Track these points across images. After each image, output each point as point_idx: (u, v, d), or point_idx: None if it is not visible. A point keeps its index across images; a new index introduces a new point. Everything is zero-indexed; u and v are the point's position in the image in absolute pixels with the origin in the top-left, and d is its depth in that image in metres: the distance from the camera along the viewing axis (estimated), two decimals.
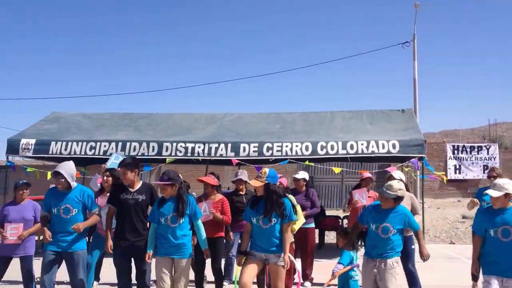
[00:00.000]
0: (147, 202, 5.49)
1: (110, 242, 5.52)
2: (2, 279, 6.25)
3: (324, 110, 12.83)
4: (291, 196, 6.48)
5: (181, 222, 5.27)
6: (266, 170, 5.20)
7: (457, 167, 19.82)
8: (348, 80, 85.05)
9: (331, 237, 13.40)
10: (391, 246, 5.10)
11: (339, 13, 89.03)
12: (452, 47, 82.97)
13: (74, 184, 5.46)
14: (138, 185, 5.52)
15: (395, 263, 5.10)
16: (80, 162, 12.04)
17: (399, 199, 5.14)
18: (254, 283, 5.35)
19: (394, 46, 18.29)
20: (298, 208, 6.35)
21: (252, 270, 5.09)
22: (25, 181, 6.38)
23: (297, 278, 6.51)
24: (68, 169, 5.41)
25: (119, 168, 5.59)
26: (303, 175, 7.90)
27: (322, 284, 7.34)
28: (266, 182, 5.10)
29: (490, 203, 6.98)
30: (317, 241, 12.53)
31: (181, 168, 15.53)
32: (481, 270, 4.96)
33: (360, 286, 5.58)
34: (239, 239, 7.69)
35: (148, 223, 5.51)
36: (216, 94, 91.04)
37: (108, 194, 6.11)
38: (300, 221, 6.22)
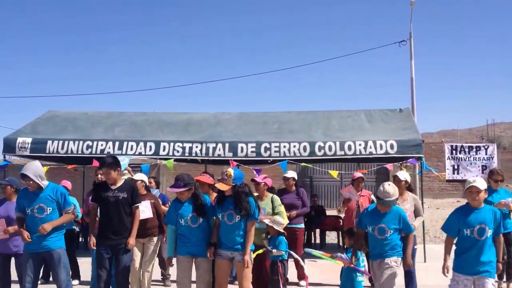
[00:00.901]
0: (128, 200, 5.54)
1: (92, 240, 5.59)
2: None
3: (321, 110, 12.79)
4: (275, 197, 6.48)
5: (201, 221, 5.37)
6: (231, 172, 5.29)
7: (456, 167, 19.78)
8: (345, 79, 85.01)
9: (331, 237, 13.36)
10: (389, 246, 5.17)
11: (335, 12, 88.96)
12: (450, 46, 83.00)
13: (44, 183, 5.45)
14: (119, 183, 5.59)
15: (393, 263, 5.17)
16: (79, 161, 12.01)
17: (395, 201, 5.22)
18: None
19: (391, 45, 18.28)
20: (282, 209, 6.34)
21: (225, 273, 5.31)
22: (7, 179, 6.34)
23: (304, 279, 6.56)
24: (34, 169, 5.39)
25: (103, 168, 5.61)
26: (291, 174, 7.90)
27: (319, 284, 7.33)
28: (233, 184, 5.22)
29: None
30: (318, 241, 12.53)
31: (179, 167, 15.48)
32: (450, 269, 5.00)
33: (365, 287, 5.64)
34: None
35: (130, 220, 5.59)
36: (214, 93, 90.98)
37: None
38: (284, 221, 6.26)
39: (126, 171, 7.71)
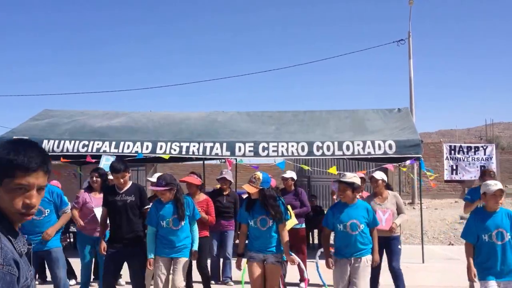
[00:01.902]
0: (136, 203, 5.50)
1: (103, 244, 5.58)
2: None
3: (319, 109, 12.74)
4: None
5: (183, 224, 5.35)
6: (259, 175, 5.22)
7: (454, 167, 19.77)
8: (343, 79, 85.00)
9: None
10: (362, 242, 5.15)
11: (334, 11, 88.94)
12: (449, 46, 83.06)
13: None
14: (126, 186, 5.54)
15: (369, 261, 5.17)
16: (75, 161, 11.93)
17: (355, 189, 5.20)
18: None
19: (389, 44, 18.28)
20: (289, 207, 6.32)
21: (259, 276, 5.21)
22: None
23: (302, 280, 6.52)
24: None
25: (115, 174, 5.55)
26: (290, 174, 7.88)
27: (319, 285, 7.28)
28: (261, 187, 5.14)
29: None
30: (316, 241, 12.47)
31: (177, 167, 15.43)
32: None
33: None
34: (217, 239, 7.68)
35: (141, 223, 5.55)
36: (211, 92, 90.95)
37: (97, 194, 6.43)
38: (291, 221, 6.20)
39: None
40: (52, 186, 5.69)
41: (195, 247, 5.55)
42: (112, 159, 9.54)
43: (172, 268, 5.39)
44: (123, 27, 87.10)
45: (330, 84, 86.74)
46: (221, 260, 8.04)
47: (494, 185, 4.72)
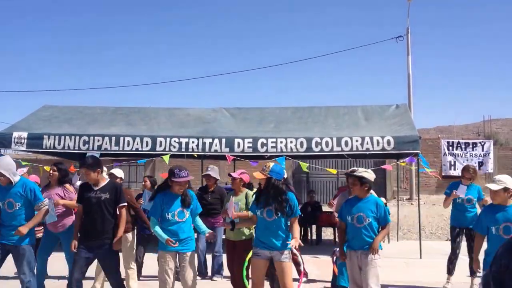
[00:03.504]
0: (111, 200, 5.45)
1: (74, 242, 5.49)
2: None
3: (318, 106, 12.78)
4: (250, 192, 6.49)
5: (188, 216, 5.37)
6: (270, 164, 5.26)
7: (452, 163, 19.89)
8: (342, 75, 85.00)
9: (328, 233, 13.38)
10: (368, 235, 5.15)
11: (333, 8, 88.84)
12: (447, 42, 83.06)
13: (16, 178, 5.48)
14: (102, 184, 5.49)
15: (376, 255, 5.14)
16: (74, 156, 11.98)
17: (363, 183, 5.22)
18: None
19: (388, 40, 18.34)
20: None
21: (261, 273, 5.19)
22: None
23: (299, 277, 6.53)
24: (5, 165, 5.42)
25: (81, 168, 5.57)
26: None
27: (315, 280, 7.34)
28: (268, 176, 5.15)
29: (466, 199, 7.13)
30: (314, 237, 12.54)
31: (175, 162, 15.43)
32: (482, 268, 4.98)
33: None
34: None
35: (114, 221, 5.51)
36: (210, 88, 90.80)
37: (53, 188, 6.44)
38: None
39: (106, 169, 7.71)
40: (26, 180, 5.64)
41: (206, 231, 5.56)
42: (97, 156, 9.62)
43: (180, 265, 5.38)
44: (123, 23, 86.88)
45: (329, 80, 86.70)
46: (210, 256, 8.08)
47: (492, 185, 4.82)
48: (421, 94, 69.05)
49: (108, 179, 5.67)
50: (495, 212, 4.84)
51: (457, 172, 12.79)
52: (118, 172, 6.84)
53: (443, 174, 12.03)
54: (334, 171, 10.40)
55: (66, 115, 12.17)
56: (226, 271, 7.71)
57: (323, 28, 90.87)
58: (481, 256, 4.99)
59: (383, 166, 9.67)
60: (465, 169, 7.50)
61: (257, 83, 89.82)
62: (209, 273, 8.13)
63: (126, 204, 5.65)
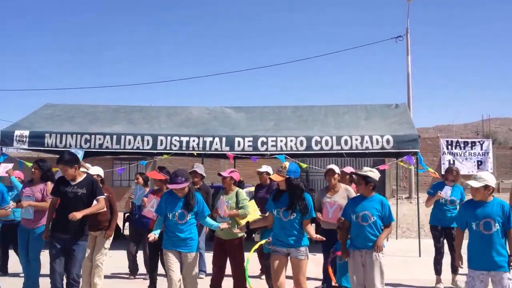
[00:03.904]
0: (87, 195, 5.55)
1: (46, 232, 5.62)
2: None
3: (318, 105, 12.85)
4: (241, 191, 6.53)
5: (188, 218, 5.43)
6: (286, 164, 5.30)
7: (451, 162, 19.94)
8: (341, 75, 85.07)
9: None
10: (373, 233, 5.19)
11: (333, 7, 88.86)
12: (447, 42, 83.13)
13: None
14: (79, 179, 5.58)
15: (380, 254, 5.18)
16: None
17: (368, 182, 5.26)
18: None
19: (388, 40, 18.43)
20: (247, 202, 6.35)
21: (281, 268, 5.24)
22: None
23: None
24: None
25: (57, 164, 5.64)
26: (266, 168, 7.90)
27: (315, 279, 7.40)
28: (287, 176, 5.20)
29: (450, 200, 7.22)
30: None
31: (175, 160, 15.50)
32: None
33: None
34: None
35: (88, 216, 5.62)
36: (211, 87, 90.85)
37: (36, 185, 6.53)
38: (251, 216, 6.28)
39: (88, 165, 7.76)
40: None
41: (217, 225, 5.70)
42: (81, 152, 9.74)
43: (182, 264, 5.47)
44: (124, 21, 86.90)
45: (329, 80, 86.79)
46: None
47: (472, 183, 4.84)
48: (420, 93, 69.33)
49: (85, 175, 5.73)
50: (475, 208, 4.84)
51: None
52: (95, 170, 6.87)
53: (442, 173, 12.06)
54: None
55: (67, 113, 12.23)
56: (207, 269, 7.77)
57: (323, 28, 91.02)
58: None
59: (380, 167, 9.69)
60: (449, 171, 7.61)
61: (257, 83, 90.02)
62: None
63: (104, 196, 5.76)
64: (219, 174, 6.65)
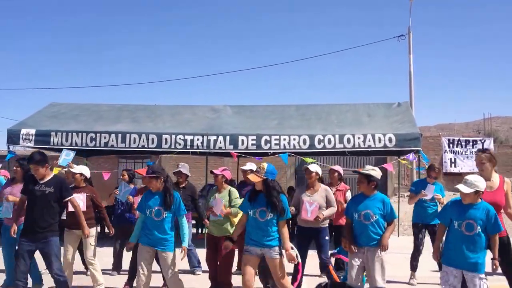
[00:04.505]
0: (56, 195, 5.63)
1: (14, 227, 5.75)
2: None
3: (321, 103, 12.92)
4: (233, 189, 6.60)
5: (165, 216, 5.47)
6: (264, 165, 5.31)
7: (453, 160, 20.00)
8: (344, 74, 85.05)
9: None
10: (375, 232, 5.26)
11: (335, 6, 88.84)
12: (448, 42, 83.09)
13: None
14: (47, 178, 5.67)
15: (382, 252, 5.25)
16: (81, 153, 12.17)
17: (370, 181, 5.32)
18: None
19: (390, 39, 18.47)
20: (239, 201, 6.35)
21: (251, 268, 5.26)
22: None
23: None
24: None
25: (30, 164, 5.72)
26: (250, 166, 7.98)
27: (315, 275, 7.49)
28: (265, 177, 5.22)
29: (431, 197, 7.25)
30: None
31: (180, 159, 15.58)
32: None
33: None
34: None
35: (58, 214, 5.74)
36: (215, 86, 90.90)
37: (19, 184, 6.51)
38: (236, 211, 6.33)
39: (74, 165, 7.80)
40: None
41: (185, 244, 5.63)
42: (73, 154, 9.88)
43: (160, 263, 5.55)
44: (124, 21, 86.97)
45: (331, 78, 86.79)
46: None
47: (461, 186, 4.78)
48: (422, 92, 69.18)
49: (54, 174, 5.81)
50: (461, 208, 4.80)
51: (458, 169, 12.95)
52: (79, 169, 6.93)
53: (444, 171, 12.16)
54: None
55: (72, 112, 12.33)
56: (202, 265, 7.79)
57: (325, 28, 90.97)
58: None
59: (384, 165, 9.79)
60: (431, 168, 7.74)
61: (260, 82, 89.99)
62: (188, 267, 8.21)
63: (72, 196, 5.86)
64: (212, 172, 6.66)
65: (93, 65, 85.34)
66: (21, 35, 79.26)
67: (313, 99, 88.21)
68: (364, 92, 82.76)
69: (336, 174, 7.82)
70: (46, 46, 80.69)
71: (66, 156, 9.68)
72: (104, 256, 8.36)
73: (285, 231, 5.24)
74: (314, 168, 6.76)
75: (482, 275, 4.70)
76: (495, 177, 5.63)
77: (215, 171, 6.60)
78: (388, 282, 7.05)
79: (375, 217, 5.26)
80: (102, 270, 6.79)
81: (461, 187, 4.74)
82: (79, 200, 6.48)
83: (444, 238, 5.06)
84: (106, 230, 9.15)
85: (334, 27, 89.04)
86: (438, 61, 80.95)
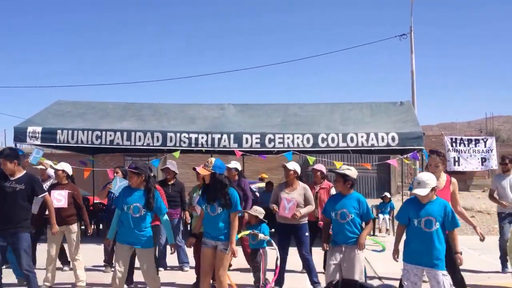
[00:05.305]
0: (26, 191, 5.63)
1: None
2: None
3: (324, 102, 13.00)
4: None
5: (143, 213, 5.44)
6: (212, 159, 5.42)
7: (456, 159, 20.01)
8: (347, 73, 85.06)
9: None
10: (351, 230, 5.32)
11: (336, 5, 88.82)
12: (450, 42, 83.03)
13: None
14: (18, 175, 5.66)
15: (359, 250, 5.31)
16: (87, 150, 12.27)
17: (346, 180, 5.38)
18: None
19: (392, 38, 18.54)
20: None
21: (209, 260, 5.34)
22: None
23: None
24: None
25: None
26: (234, 164, 7.92)
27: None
28: (212, 171, 5.32)
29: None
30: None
31: (185, 157, 15.65)
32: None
33: None
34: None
35: (30, 211, 5.74)
36: (219, 85, 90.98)
37: None
38: None
39: (51, 162, 7.89)
40: None
41: (171, 241, 5.65)
42: (42, 152, 10.12)
43: (139, 260, 5.54)
44: (127, 21, 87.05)
45: (335, 78, 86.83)
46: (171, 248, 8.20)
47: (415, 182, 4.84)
48: (424, 91, 69.25)
49: (25, 171, 5.79)
50: (418, 206, 4.83)
51: (461, 168, 12.96)
52: (61, 166, 6.92)
53: (447, 170, 12.19)
54: (340, 164, 10.67)
55: (78, 110, 12.40)
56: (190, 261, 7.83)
57: (327, 27, 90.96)
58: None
59: (388, 161, 9.91)
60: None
61: (263, 81, 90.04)
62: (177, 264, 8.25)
63: (46, 193, 5.89)
64: (194, 169, 6.39)
65: (99, 64, 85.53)
66: (27, 33, 79.49)
67: (317, 98, 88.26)
68: (367, 91, 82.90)
69: (318, 173, 7.88)
70: (52, 44, 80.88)
71: (36, 155, 9.86)
72: (92, 253, 8.45)
73: (234, 224, 5.30)
74: (292, 166, 6.78)
75: (445, 272, 4.76)
76: (443, 177, 5.84)
77: (197, 168, 6.56)
78: (390, 279, 7.16)
79: (351, 216, 5.32)
80: (93, 266, 6.69)
81: (418, 191, 4.75)
82: (61, 196, 6.51)
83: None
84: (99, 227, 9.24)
85: (337, 26, 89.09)
86: (439, 61, 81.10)
